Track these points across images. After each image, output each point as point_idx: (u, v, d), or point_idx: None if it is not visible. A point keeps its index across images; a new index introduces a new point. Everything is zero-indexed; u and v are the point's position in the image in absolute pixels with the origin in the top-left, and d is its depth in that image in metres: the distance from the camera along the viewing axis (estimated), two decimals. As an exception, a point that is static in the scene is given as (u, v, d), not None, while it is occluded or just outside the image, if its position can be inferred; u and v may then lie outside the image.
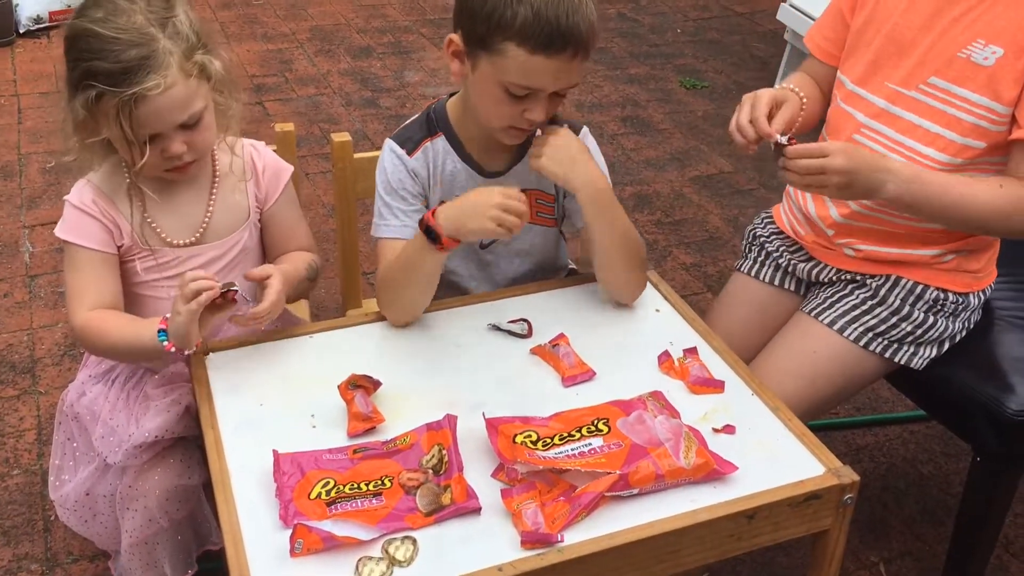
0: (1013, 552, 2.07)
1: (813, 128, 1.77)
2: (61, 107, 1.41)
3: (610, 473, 1.18)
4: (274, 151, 1.69)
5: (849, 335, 1.64)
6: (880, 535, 2.09)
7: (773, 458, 1.28)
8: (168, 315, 1.37)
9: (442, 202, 1.54)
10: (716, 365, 1.44)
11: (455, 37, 1.46)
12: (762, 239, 1.85)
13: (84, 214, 1.46)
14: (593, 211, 1.49)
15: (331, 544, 1.12)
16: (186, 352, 1.38)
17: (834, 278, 1.73)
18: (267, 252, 1.63)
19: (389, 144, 1.57)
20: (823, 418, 2.30)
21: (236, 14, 4.60)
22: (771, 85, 4.61)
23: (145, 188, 1.47)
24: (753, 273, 1.84)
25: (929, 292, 1.64)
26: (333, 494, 1.18)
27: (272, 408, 1.34)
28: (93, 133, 1.39)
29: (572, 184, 1.47)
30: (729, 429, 1.32)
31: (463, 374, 1.42)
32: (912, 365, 1.65)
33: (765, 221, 1.88)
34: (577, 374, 1.41)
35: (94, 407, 1.55)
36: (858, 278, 1.70)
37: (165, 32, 1.35)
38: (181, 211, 1.51)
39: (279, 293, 1.41)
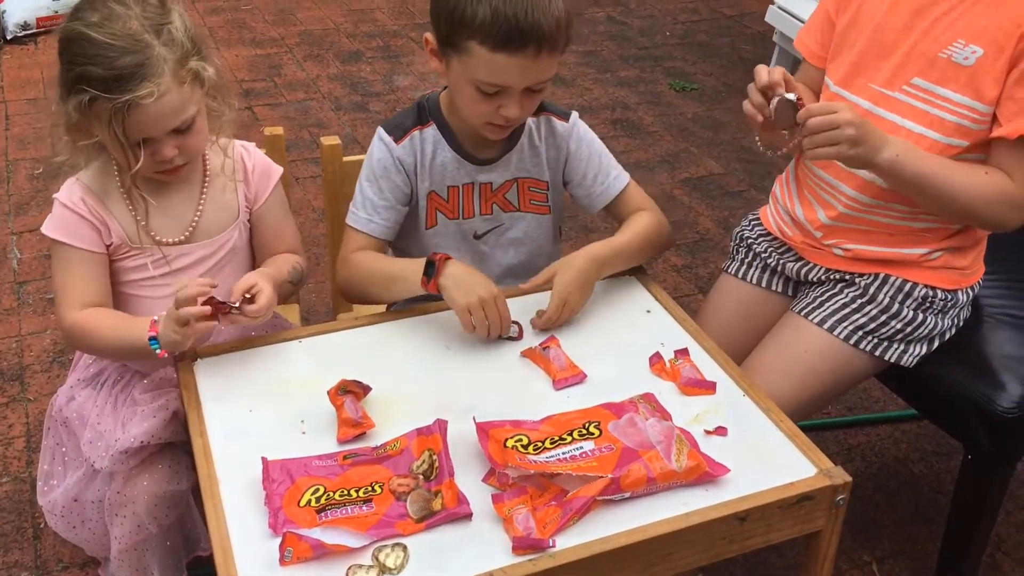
0: (1005, 550, 2.07)
1: None
2: (53, 106, 1.41)
3: (601, 477, 1.18)
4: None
5: (839, 334, 1.64)
6: (872, 535, 2.09)
7: (765, 459, 1.27)
8: (157, 318, 1.37)
9: (431, 192, 1.57)
10: (707, 366, 1.44)
11: (430, 36, 1.49)
12: (750, 240, 1.85)
13: (73, 213, 1.46)
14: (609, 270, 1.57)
15: (321, 552, 1.11)
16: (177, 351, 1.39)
17: (823, 277, 1.73)
18: (255, 252, 1.63)
19: (379, 132, 1.60)
20: (815, 418, 2.30)
21: (224, 19, 4.59)
22: (760, 87, 4.52)
23: (137, 189, 1.47)
24: (740, 275, 1.84)
25: (918, 289, 1.65)
26: (323, 501, 1.17)
27: (261, 414, 1.33)
28: (86, 135, 1.40)
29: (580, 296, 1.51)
30: (721, 431, 1.32)
31: (453, 378, 1.41)
32: (903, 363, 1.65)
33: (752, 223, 1.88)
34: (568, 376, 1.41)
35: (83, 411, 1.54)
36: (847, 277, 1.70)
37: (160, 39, 1.35)
38: (171, 210, 1.51)
39: (270, 295, 1.41)
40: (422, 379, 1.41)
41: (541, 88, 1.47)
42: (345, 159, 1.80)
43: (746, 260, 1.85)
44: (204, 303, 1.34)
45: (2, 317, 2.59)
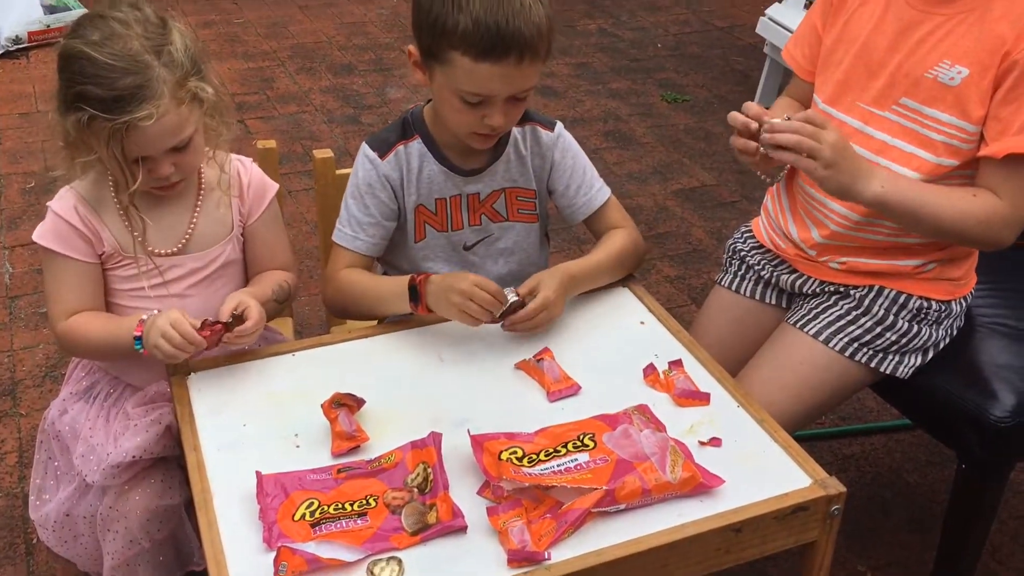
0: (999, 559, 2.07)
1: None
2: (51, 120, 1.41)
3: (596, 489, 1.17)
4: (256, 168, 1.69)
5: (834, 346, 1.64)
6: (867, 544, 2.09)
7: (759, 470, 1.27)
8: (146, 316, 1.39)
9: (419, 206, 1.57)
10: (701, 377, 1.44)
11: (412, 48, 1.49)
12: (743, 253, 1.85)
13: (65, 223, 1.46)
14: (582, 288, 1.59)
15: (316, 566, 1.10)
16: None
17: (818, 289, 1.73)
18: (247, 267, 1.63)
19: (363, 148, 1.61)
20: (810, 428, 2.30)
21: (217, 32, 4.60)
22: (752, 98, 4.64)
23: (135, 208, 1.47)
24: (734, 287, 1.84)
25: (912, 301, 1.65)
26: (317, 515, 1.16)
27: (255, 428, 1.33)
28: (84, 152, 1.40)
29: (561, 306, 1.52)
30: (715, 442, 1.32)
31: (448, 390, 1.41)
32: (898, 374, 1.66)
33: (745, 235, 1.88)
34: (562, 388, 1.41)
35: (75, 425, 1.54)
36: (842, 289, 1.70)
37: (160, 59, 1.35)
38: (165, 222, 1.52)
39: (258, 313, 1.42)
40: (416, 391, 1.41)
41: (525, 96, 1.47)
42: (338, 172, 1.80)
43: (739, 272, 1.85)
44: (199, 329, 1.36)
45: (-6, 331, 2.59)
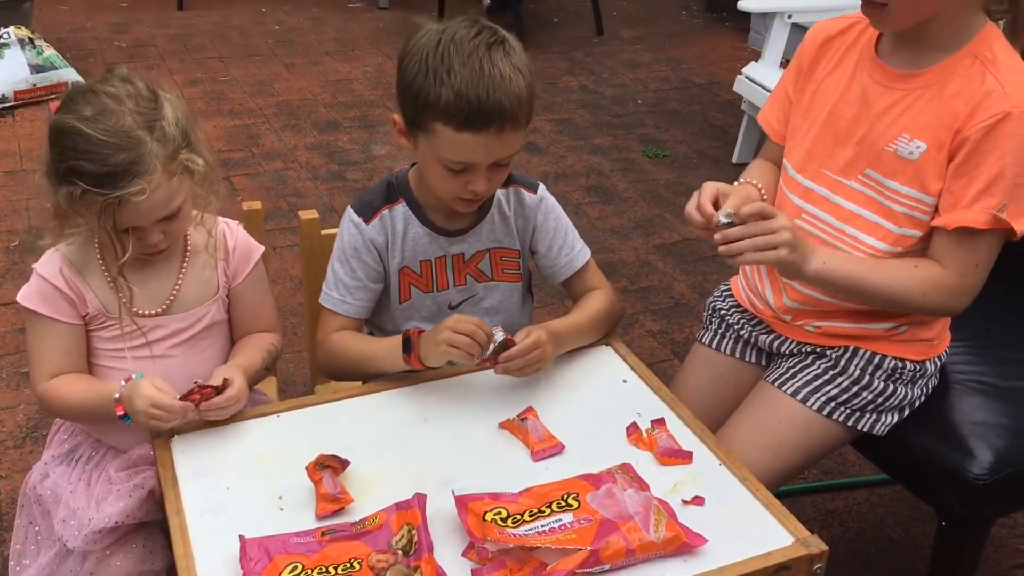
0: (984, 614, 2.07)
1: None
2: (37, 182, 1.42)
3: (581, 549, 1.18)
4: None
5: (812, 404, 1.66)
6: (852, 601, 2.09)
7: (742, 529, 1.28)
8: (123, 383, 1.40)
9: (403, 268, 1.59)
10: (684, 435, 1.45)
11: (397, 117, 1.53)
12: (722, 312, 1.88)
13: (50, 285, 1.47)
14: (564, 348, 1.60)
15: (300, 631, 1.10)
16: None
17: (795, 350, 1.76)
18: (233, 328, 1.64)
19: (348, 212, 1.63)
20: (792, 483, 2.31)
21: (203, 90, 4.65)
22: (730, 153, 4.65)
23: (124, 279, 1.48)
24: (714, 345, 1.87)
25: (887, 361, 1.67)
26: (301, 578, 1.16)
27: (239, 491, 1.33)
28: (75, 223, 1.42)
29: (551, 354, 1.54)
30: (698, 500, 1.33)
31: (432, 450, 1.42)
32: (875, 432, 1.67)
33: (724, 294, 1.91)
34: (546, 447, 1.41)
35: (56, 489, 1.52)
36: (818, 349, 1.72)
37: (153, 135, 1.37)
38: (151, 284, 1.53)
39: (241, 387, 1.44)
40: (401, 452, 1.41)
41: (507, 162, 1.51)
42: (323, 232, 1.82)
43: (719, 331, 1.87)
44: (185, 395, 1.38)
45: (-26, 391, 2.57)
